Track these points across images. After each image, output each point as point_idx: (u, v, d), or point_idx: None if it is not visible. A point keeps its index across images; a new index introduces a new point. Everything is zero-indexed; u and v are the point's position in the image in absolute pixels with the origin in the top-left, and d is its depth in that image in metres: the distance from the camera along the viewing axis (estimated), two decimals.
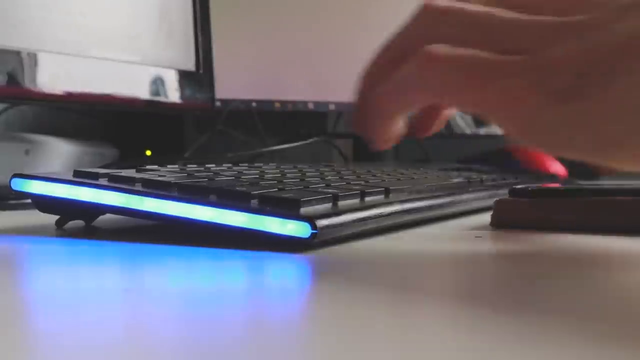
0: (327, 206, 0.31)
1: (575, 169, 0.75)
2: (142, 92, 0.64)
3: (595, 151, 0.27)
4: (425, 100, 0.32)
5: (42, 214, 0.36)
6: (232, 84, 0.79)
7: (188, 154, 0.71)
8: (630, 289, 0.24)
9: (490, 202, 0.41)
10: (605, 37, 0.27)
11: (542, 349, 0.16)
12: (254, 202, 0.30)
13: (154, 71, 0.64)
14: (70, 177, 0.34)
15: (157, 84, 0.65)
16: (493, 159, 0.76)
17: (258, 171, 0.41)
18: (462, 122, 0.99)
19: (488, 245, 0.33)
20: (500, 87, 0.28)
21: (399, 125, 0.32)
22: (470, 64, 0.29)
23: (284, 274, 0.26)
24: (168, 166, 0.41)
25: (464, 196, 0.44)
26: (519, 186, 0.40)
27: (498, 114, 0.29)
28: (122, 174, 0.35)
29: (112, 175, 0.34)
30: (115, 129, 0.82)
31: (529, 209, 0.38)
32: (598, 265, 0.28)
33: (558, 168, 0.74)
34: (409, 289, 0.23)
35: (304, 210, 0.30)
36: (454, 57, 0.29)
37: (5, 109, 0.70)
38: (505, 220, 0.39)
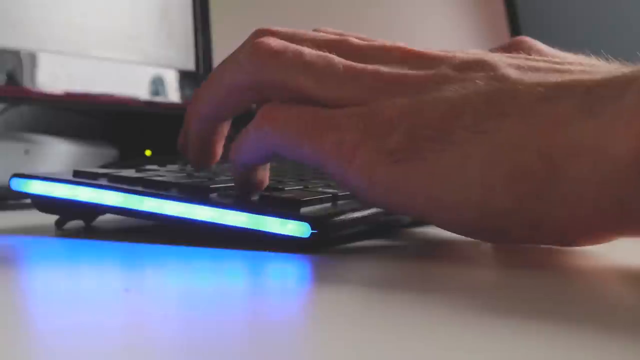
0: (327, 206, 0.31)
1: None
2: (142, 92, 0.64)
3: (432, 216, 0.27)
4: (267, 157, 0.31)
5: (41, 214, 0.36)
6: None
7: None
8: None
9: None
10: (436, 101, 0.27)
11: (545, 348, 0.16)
12: (254, 202, 0.30)
13: (154, 71, 0.64)
14: (70, 177, 0.34)
15: (157, 84, 0.65)
16: None
17: None
18: None
19: (489, 243, 0.33)
20: (336, 141, 0.28)
21: (255, 173, 0.32)
22: (305, 119, 0.29)
23: (284, 274, 0.26)
24: (168, 166, 0.41)
25: None
26: None
27: (337, 170, 0.28)
28: (122, 174, 0.34)
29: (112, 175, 0.34)
30: (115, 129, 0.82)
31: None
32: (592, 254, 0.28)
33: None
34: (410, 288, 0.23)
35: (303, 210, 0.30)
36: (289, 116, 0.29)
37: (5, 109, 0.70)
38: None
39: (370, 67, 0.29)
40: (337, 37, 0.32)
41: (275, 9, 0.83)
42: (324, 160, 0.28)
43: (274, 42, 0.31)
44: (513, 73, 0.27)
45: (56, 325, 0.18)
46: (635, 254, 0.28)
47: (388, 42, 0.31)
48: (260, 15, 0.80)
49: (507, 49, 0.31)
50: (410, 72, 0.29)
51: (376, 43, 0.31)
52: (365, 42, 0.31)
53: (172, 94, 0.66)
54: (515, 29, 1.10)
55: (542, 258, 0.28)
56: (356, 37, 0.32)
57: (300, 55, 0.30)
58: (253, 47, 0.31)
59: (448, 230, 0.28)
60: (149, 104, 0.64)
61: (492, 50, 0.31)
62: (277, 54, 0.30)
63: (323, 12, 0.87)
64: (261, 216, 0.29)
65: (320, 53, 0.30)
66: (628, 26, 1.11)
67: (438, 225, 0.28)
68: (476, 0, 1.07)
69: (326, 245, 0.30)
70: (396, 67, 0.29)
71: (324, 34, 0.32)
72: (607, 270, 0.27)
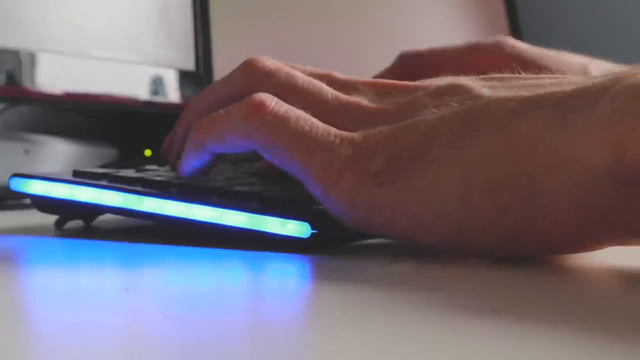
0: None
1: None
2: (142, 92, 0.64)
3: (414, 233, 0.27)
4: (242, 148, 0.30)
5: (41, 214, 0.36)
6: None
7: None
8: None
9: None
10: (414, 124, 0.28)
11: (544, 347, 0.16)
12: (254, 202, 0.30)
13: (154, 71, 0.64)
14: (70, 177, 0.34)
15: (157, 83, 0.65)
16: None
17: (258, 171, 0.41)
18: None
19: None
20: (324, 162, 0.28)
21: (207, 160, 0.32)
22: (301, 126, 0.29)
23: (284, 274, 0.26)
24: (168, 166, 0.41)
25: None
26: None
27: (319, 190, 0.28)
28: (122, 174, 0.34)
29: (112, 175, 0.34)
30: (115, 129, 0.82)
31: None
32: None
33: None
34: (409, 288, 0.23)
35: (304, 210, 0.30)
36: (282, 114, 0.29)
37: (5, 109, 0.70)
38: None
39: (353, 99, 0.31)
40: (322, 71, 0.33)
41: (275, 9, 0.83)
42: (307, 177, 0.28)
43: (269, 61, 0.32)
44: (487, 92, 0.27)
45: (56, 325, 0.18)
46: (633, 254, 0.28)
47: (368, 79, 0.32)
48: (260, 15, 0.80)
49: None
50: (389, 104, 0.30)
51: (358, 78, 0.32)
52: (347, 77, 0.32)
53: (172, 94, 0.66)
54: (515, 29, 1.10)
55: (540, 257, 0.28)
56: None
57: (293, 78, 0.31)
58: (248, 63, 0.32)
59: (431, 246, 0.28)
60: (148, 104, 0.64)
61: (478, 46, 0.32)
62: (270, 73, 0.31)
63: (323, 12, 0.87)
64: (261, 216, 0.29)
65: (312, 79, 0.31)
66: (628, 26, 1.11)
67: (420, 243, 0.28)
68: (476, 0, 1.07)
69: (326, 245, 0.30)
70: (376, 99, 0.30)
71: (310, 68, 0.33)
72: (606, 270, 0.27)
